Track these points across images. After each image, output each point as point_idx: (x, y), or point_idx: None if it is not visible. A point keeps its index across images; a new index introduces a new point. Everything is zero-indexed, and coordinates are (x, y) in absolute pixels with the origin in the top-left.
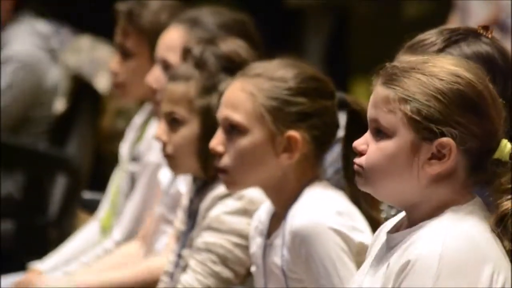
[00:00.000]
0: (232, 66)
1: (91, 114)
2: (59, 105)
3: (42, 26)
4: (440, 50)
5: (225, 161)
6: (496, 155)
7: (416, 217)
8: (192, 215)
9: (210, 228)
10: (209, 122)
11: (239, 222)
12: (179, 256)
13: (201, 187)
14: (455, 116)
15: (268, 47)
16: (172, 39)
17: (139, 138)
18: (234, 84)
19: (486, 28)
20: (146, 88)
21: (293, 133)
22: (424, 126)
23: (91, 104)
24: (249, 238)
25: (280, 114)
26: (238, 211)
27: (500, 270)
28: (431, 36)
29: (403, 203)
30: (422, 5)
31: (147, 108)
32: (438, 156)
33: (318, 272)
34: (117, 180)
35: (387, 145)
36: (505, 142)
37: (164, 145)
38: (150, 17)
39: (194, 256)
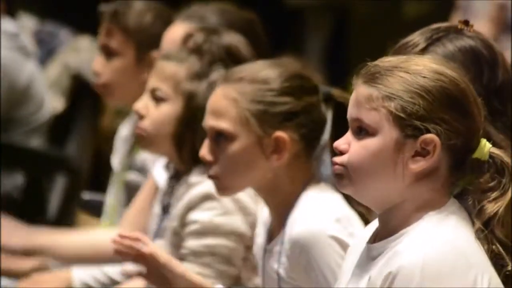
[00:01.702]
0: (230, 60)
1: (91, 113)
2: (59, 104)
3: (7, 25)
4: (424, 49)
5: (216, 169)
6: (476, 154)
7: (394, 221)
8: (165, 207)
9: (206, 233)
10: (191, 108)
11: (233, 221)
12: None
13: (173, 180)
14: (439, 113)
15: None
16: (180, 36)
17: (134, 147)
18: (217, 91)
19: (466, 23)
20: (133, 88)
21: (280, 133)
22: (409, 124)
23: (91, 103)
24: (254, 237)
25: (265, 116)
26: (228, 211)
27: (484, 272)
28: (414, 37)
29: (384, 204)
30: (422, 5)
31: (133, 118)
32: (422, 153)
33: (318, 281)
34: (114, 193)
35: (371, 142)
36: (484, 142)
37: (141, 118)
38: (135, 17)
39: (196, 260)
